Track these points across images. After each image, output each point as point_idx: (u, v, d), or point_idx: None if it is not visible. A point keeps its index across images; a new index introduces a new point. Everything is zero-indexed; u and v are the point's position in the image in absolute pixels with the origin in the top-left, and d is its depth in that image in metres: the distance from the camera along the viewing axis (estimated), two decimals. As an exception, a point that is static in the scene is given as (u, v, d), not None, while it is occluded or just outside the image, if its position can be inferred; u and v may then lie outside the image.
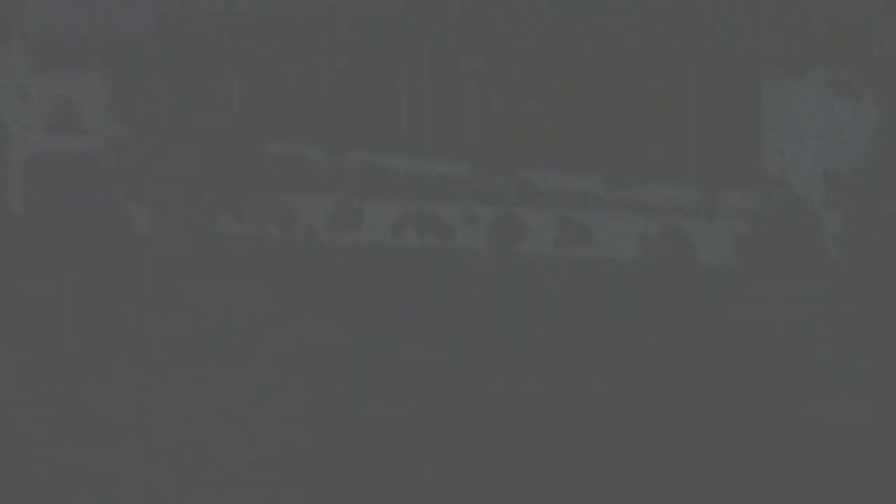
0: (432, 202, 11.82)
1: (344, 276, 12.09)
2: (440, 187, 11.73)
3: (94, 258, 12.43)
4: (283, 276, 12.07)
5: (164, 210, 12.34)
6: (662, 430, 9.36)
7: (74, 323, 11.02)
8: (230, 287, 11.57)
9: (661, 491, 9.06)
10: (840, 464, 8.97)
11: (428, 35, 13.07)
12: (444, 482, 9.04)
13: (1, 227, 13.13)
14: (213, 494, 9.00)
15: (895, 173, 11.13)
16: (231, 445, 9.45)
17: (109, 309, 11.31)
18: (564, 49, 12.43)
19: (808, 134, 11.19)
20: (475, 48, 12.87)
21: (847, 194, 11.36)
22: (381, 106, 12.75)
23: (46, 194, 13.45)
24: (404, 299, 11.39)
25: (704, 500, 8.97)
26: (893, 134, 11.17)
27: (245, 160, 12.16)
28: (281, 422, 9.61)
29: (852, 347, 10.08)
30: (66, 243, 12.84)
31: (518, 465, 9.22)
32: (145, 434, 9.59)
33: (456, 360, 10.17)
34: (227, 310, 11.12)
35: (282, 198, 12.32)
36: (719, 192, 11.30)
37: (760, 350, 10.25)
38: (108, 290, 11.60)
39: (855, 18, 11.77)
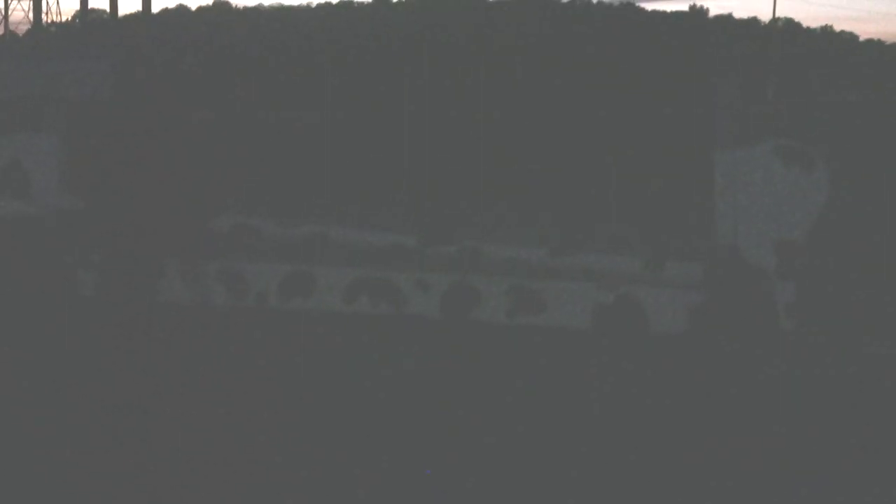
0: (385, 270, 11.66)
1: (294, 343, 11.85)
2: (391, 256, 11.57)
3: (41, 321, 12.16)
4: (230, 342, 11.83)
5: (111, 276, 12.11)
6: (618, 489, 9.10)
7: (21, 380, 10.72)
8: (176, 352, 11.30)
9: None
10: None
11: (379, 108, 12.93)
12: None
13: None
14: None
15: (848, 242, 11.01)
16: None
17: (57, 367, 11.02)
18: (520, 120, 12.31)
19: (761, 203, 11.07)
20: (426, 123, 12.74)
21: (799, 263, 11.23)
22: (331, 180, 12.62)
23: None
24: (356, 364, 11.15)
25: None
26: (845, 203, 11.07)
27: (196, 230, 11.97)
28: (226, 476, 9.28)
29: (804, 412, 9.91)
30: (12, 306, 12.56)
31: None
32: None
33: (407, 423, 9.91)
34: (175, 373, 10.85)
35: (233, 265, 12.16)
36: (666, 262, 11.16)
37: (713, 415, 10.05)
38: (55, 353, 11.32)
39: (808, 91, 11.70)
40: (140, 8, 19.97)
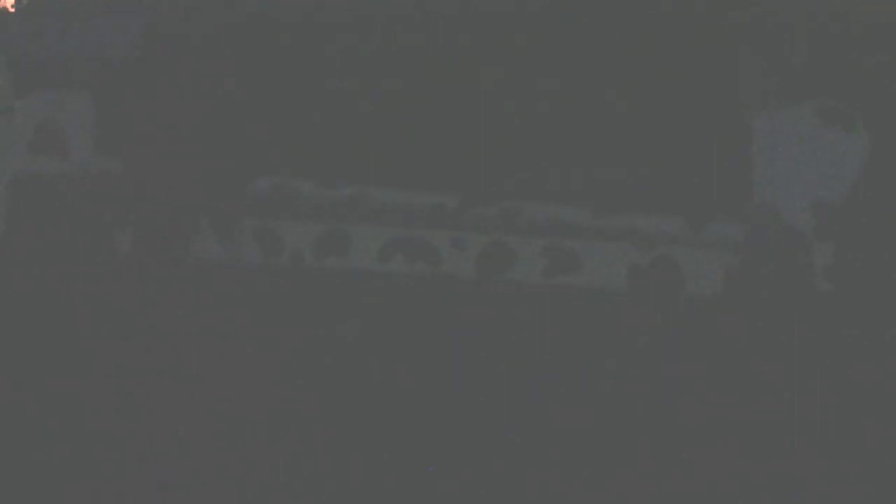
0: (420, 229, 11.53)
1: (329, 303, 11.78)
2: (429, 216, 11.42)
3: (76, 280, 12.09)
4: (264, 301, 11.76)
5: (146, 234, 12.01)
6: (650, 454, 9.06)
7: (56, 343, 10.70)
8: (211, 312, 11.25)
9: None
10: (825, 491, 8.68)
11: (419, 72, 12.76)
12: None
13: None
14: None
15: (887, 205, 10.88)
16: (208, 464, 9.10)
17: (91, 330, 10.99)
18: (558, 83, 12.14)
19: (799, 164, 10.93)
20: (467, 86, 12.57)
21: (838, 225, 11.10)
22: (374, 139, 12.48)
23: (30, 215, 13.09)
24: (389, 325, 11.08)
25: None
26: (884, 164, 10.92)
27: (233, 190, 11.85)
28: (261, 440, 9.28)
29: (840, 378, 9.83)
30: (48, 265, 12.49)
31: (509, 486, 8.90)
32: (123, 451, 9.23)
33: (438, 385, 9.88)
34: (208, 334, 10.82)
35: (269, 224, 12.03)
36: (707, 223, 11.02)
37: (748, 380, 9.99)
38: (89, 312, 11.28)
39: (846, 51, 11.54)
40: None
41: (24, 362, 10.37)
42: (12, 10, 13.34)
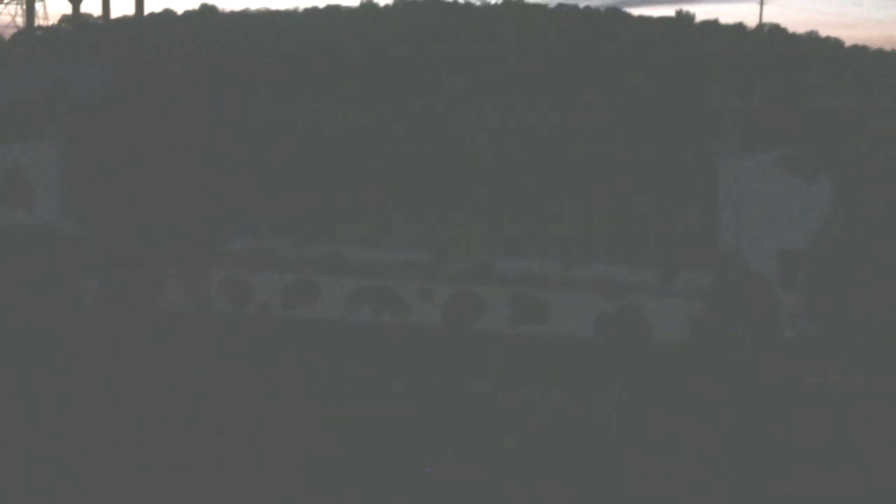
0: (389, 279, 11.38)
1: (295, 352, 11.56)
2: (405, 273, 11.28)
3: (43, 329, 11.83)
4: (230, 350, 11.53)
5: (112, 286, 11.76)
6: (619, 495, 8.90)
7: (25, 387, 10.42)
8: (177, 360, 11.00)
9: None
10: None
11: (394, 132, 12.67)
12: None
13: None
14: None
15: (851, 251, 10.86)
16: None
17: (60, 375, 10.72)
18: (529, 139, 12.08)
19: (764, 212, 10.90)
20: (442, 147, 12.50)
21: (803, 273, 11.06)
22: (345, 198, 12.36)
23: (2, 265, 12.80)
24: (357, 373, 10.90)
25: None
26: (848, 211, 10.91)
27: (204, 244, 11.66)
28: (228, 482, 9.01)
29: (806, 423, 9.76)
30: (15, 313, 12.21)
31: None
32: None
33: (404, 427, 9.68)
34: (175, 382, 10.57)
35: (237, 274, 11.83)
36: (676, 271, 10.95)
37: (715, 425, 9.88)
38: (56, 361, 11.01)
39: (808, 101, 11.55)
40: (128, 12, 19.67)
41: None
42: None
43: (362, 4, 14.66)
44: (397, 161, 11.76)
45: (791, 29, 14.07)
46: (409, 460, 9.05)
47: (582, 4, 14.67)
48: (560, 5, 13.95)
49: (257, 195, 11.64)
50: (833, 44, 13.62)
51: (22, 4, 21.80)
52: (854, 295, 10.68)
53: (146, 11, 15.38)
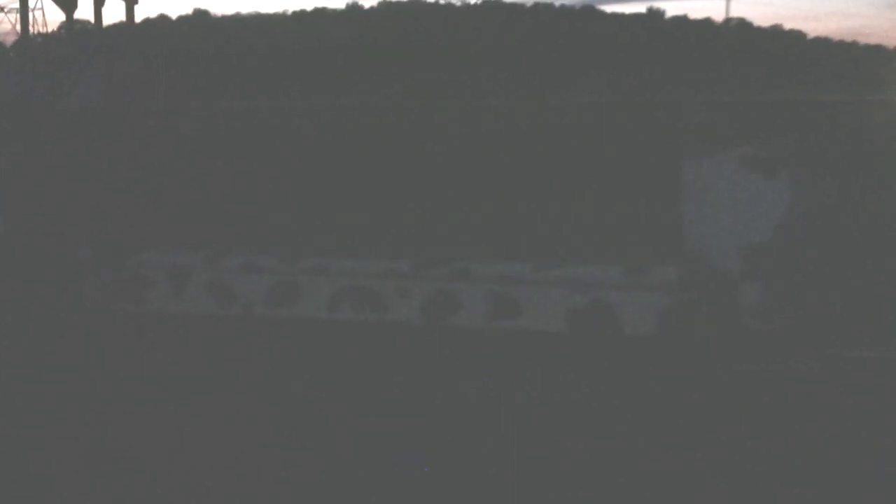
0: (369, 280, 11.40)
1: (279, 349, 11.59)
2: (381, 277, 11.31)
3: (45, 331, 11.88)
4: (217, 349, 11.56)
5: (107, 287, 11.81)
6: (590, 484, 8.90)
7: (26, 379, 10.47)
8: (166, 359, 11.04)
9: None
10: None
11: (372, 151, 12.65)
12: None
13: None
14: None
15: (810, 246, 10.83)
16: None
17: (57, 365, 10.77)
18: (498, 150, 12.05)
19: (725, 210, 10.88)
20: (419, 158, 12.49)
21: (763, 266, 11.04)
22: (331, 215, 12.36)
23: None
24: (337, 371, 10.92)
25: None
26: (806, 208, 10.88)
27: (192, 249, 11.72)
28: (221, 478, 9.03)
29: (766, 411, 9.76)
30: (16, 317, 12.26)
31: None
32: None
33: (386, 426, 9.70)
34: (164, 380, 10.61)
35: (222, 277, 11.86)
36: (643, 268, 10.95)
37: (680, 413, 9.89)
38: (56, 361, 11.06)
39: (770, 100, 11.48)
40: (122, 18, 19.58)
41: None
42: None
43: (348, 6, 14.58)
44: (378, 172, 11.73)
45: (757, 22, 13.97)
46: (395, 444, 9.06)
47: (558, 3, 14.58)
48: (536, 4, 13.82)
49: (247, 219, 11.67)
50: (796, 36, 13.51)
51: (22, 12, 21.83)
52: (813, 285, 10.67)
53: (141, 18, 15.34)
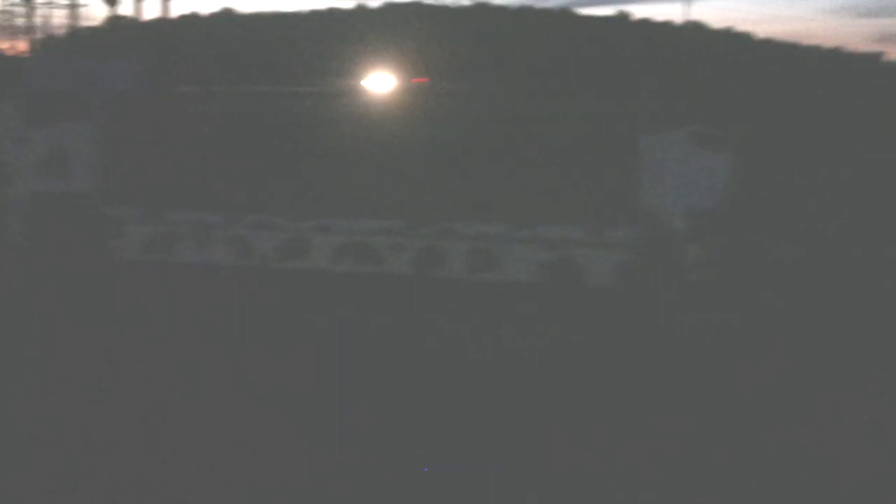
0: (366, 236, 11.84)
1: (291, 296, 12.01)
2: (377, 234, 11.77)
3: (80, 281, 12.25)
4: (237, 296, 11.97)
5: (138, 243, 12.19)
6: (556, 424, 9.26)
7: (65, 336, 10.82)
8: (194, 305, 11.43)
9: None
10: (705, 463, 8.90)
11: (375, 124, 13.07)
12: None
13: (2, 255, 12.93)
14: None
15: (748, 211, 11.27)
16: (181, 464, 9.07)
17: (94, 324, 11.12)
18: (476, 128, 12.49)
19: (676, 179, 11.31)
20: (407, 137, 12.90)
21: (706, 229, 11.48)
22: (333, 179, 12.78)
23: (42, 228, 13.21)
24: (340, 315, 11.32)
25: None
26: (745, 179, 11.31)
27: (216, 210, 12.11)
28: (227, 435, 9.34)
29: (709, 355, 10.18)
30: (57, 269, 12.62)
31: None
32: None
33: (380, 367, 10.09)
34: (195, 323, 10.99)
35: (241, 233, 12.30)
36: (605, 228, 11.40)
37: (635, 354, 10.31)
38: (93, 308, 11.42)
39: (717, 85, 11.90)
40: (159, 14, 19.96)
41: (30, 346, 10.48)
42: (27, 53, 13.49)
43: (357, 7, 14.99)
44: (378, 150, 12.18)
45: (713, 25, 14.36)
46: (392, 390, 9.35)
47: (538, 6, 14.98)
48: (520, 7, 14.26)
49: (263, 183, 12.08)
50: (743, 37, 13.94)
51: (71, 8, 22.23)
52: (747, 245, 11.10)
53: (178, 13, 15.76)
